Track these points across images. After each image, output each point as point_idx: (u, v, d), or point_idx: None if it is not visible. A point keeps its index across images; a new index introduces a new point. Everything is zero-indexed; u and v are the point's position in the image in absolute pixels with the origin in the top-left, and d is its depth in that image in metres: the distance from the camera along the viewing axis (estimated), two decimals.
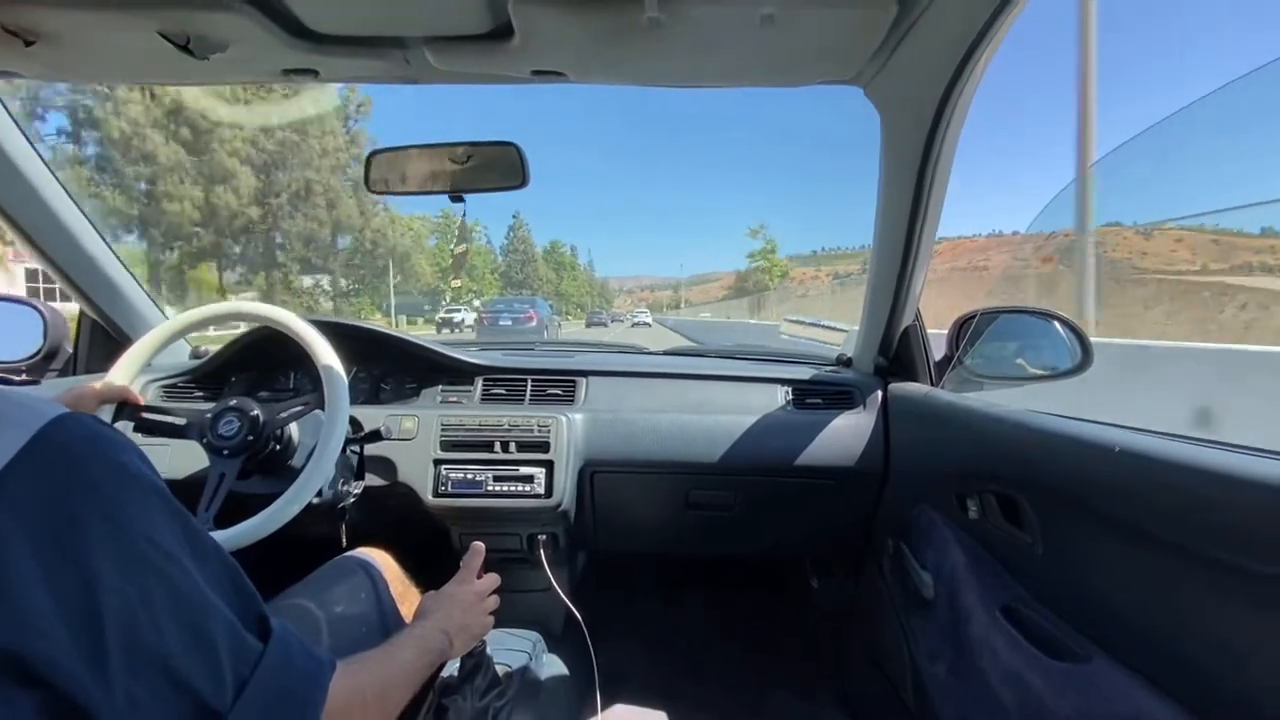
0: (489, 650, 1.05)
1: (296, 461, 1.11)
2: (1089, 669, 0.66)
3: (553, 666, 1.27)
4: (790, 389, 1.37)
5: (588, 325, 38.57)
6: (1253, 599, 0.49)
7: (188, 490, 0.99)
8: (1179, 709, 0.55)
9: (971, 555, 0.92)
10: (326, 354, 1.05)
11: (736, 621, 1.79)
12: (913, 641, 1.07)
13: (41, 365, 1.40)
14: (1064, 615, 0.73)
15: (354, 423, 1.18)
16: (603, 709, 1.21)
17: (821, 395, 1.36)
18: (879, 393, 1.32)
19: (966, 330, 1.22)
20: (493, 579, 0.94)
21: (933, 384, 1.26)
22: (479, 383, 1.39)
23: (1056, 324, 1.18)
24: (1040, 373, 1.20)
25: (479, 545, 0.95)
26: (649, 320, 48.48)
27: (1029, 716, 0.73)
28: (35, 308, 1.41)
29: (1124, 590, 0.64)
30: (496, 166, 1.04)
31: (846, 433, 1.28)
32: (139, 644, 0.39)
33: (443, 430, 1.27)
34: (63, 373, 1.43)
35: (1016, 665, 0.76)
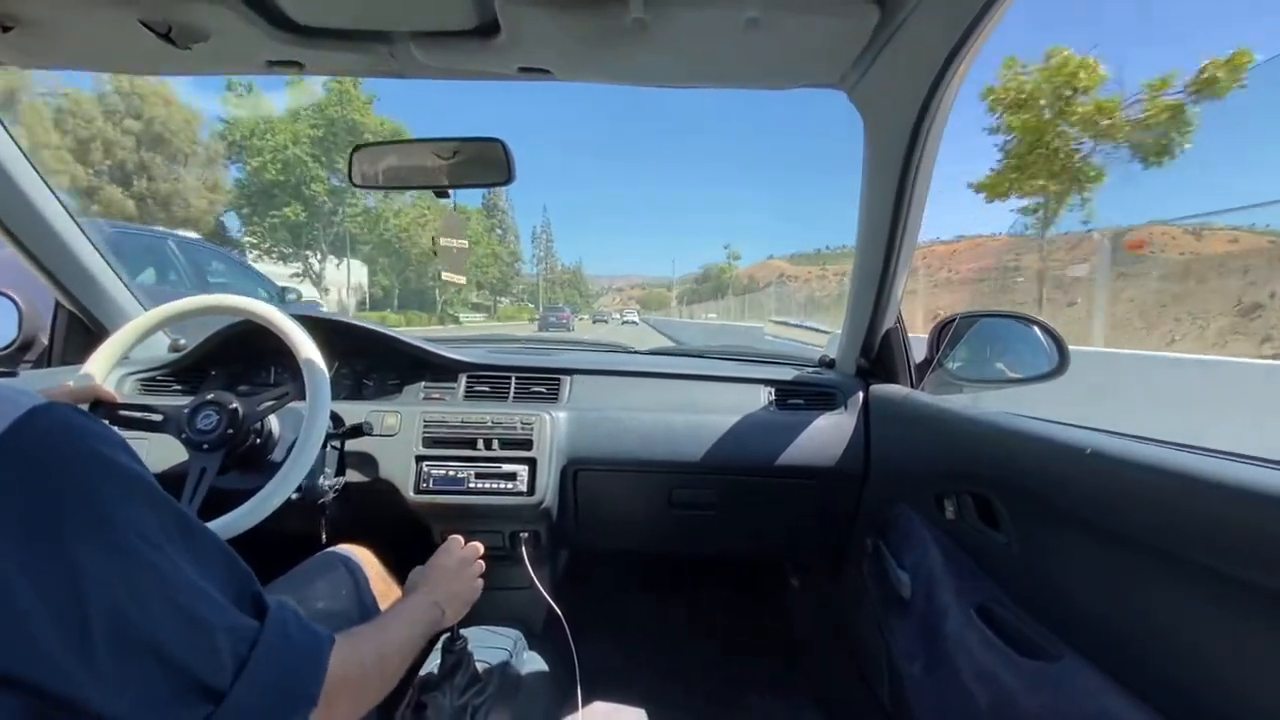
0: (469, 647, 1.05)
1: (277, 456, 1.10)
2: (1059, 667, 0.67)
3: (533, 664, 1.27)
4: (773, 389, 1.38)
5: (540, 328, 27.50)
6: (1220, 600, 0.50)
7: (167, 486, 0.96)
8: (1146, 708, 0.56)
9: (948, 555, 0.94)
10: (308, 348, 1.04)
11: (717, 619, 1.80)
12: (890, 639, 1.08)
13: (15, 357, 1.38)
14: (1037, 614, 0.75)
15: (335, 418, 1.17)
16: (583, 706, 1.21)
17: (803, 396, 1.37)
18: (860, 394, 1.33)
19: (947, 334, 1.24)
20: (476, 547, 0.95)
21: (913, 386, 1.28)
22: (462, 380, 1.38)
23: (1035, 329, 1.20)
24: (1018, 376, 1.22)
25: (456, 536, 0.96)
26: (636, 319, 48.65)
27: (1001, 714, 0.74)
28: (9, 298, 1.38)
29: (1095, 590, 0.66)
30: (482, 162, 1.04)
31: (827, 433, 1.30)
32: (127, 632, 0.39)
33: (425, 427, 1.26)
34: (37, 365, 1.40)
35: (989, 663, 0.77)
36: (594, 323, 51.25)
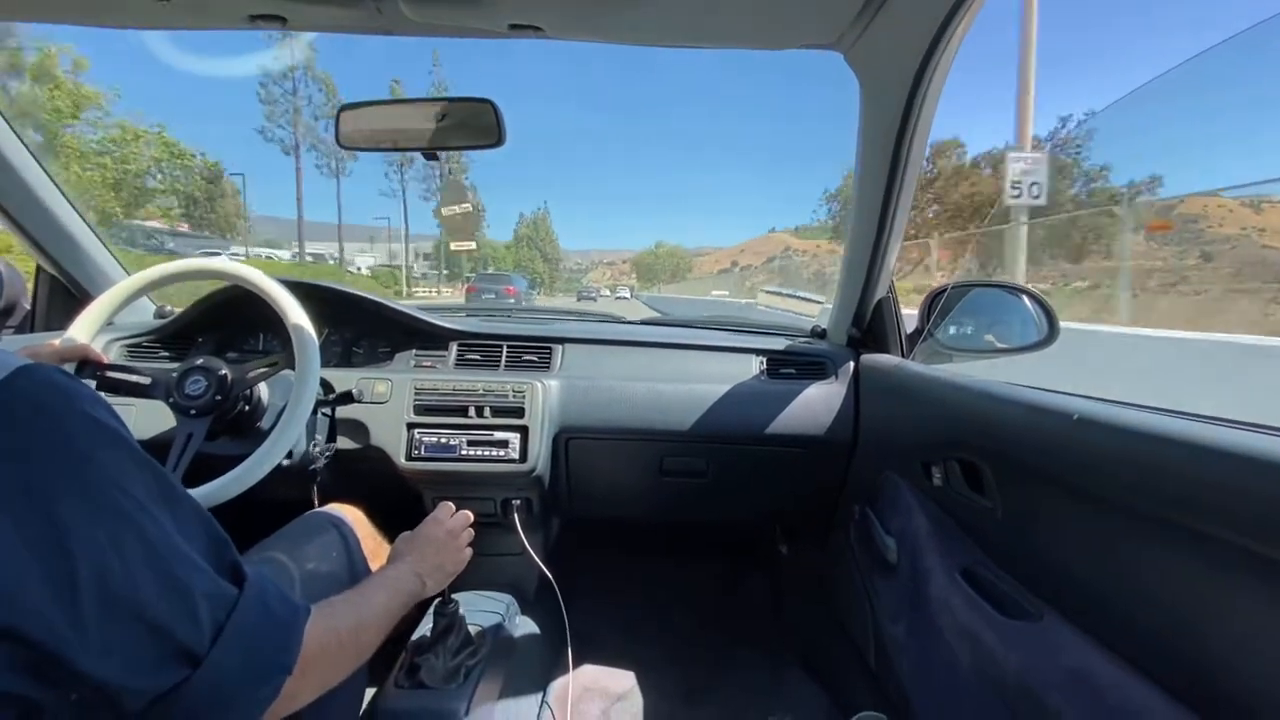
0: (462, 611, 1.06)
1: (266, 422, 1.10)
2: (1040, 627, 0.68)
3: (525, 627, 1.29)
4: (764, 359, 1.38)
5: (467, 295, 19.81)
6: (1201, 562, 0.51)
7: (154, 451, 0.96)
8: (1123, 664, 0.57)
9: (934, 520, 0.95)
10: (296, 313, 1.03)
11: (707, 586, 1.83)
12: (875, 603, 1.11)
13: None
14: (1020, 577, 0.76)
15: (325, 385, 1.16)
16: (574, 668, 1.24)
17: (795, 365, 1.38)
18: (851, 364, 1.34)
19: (938, 304, 1.24)
20: (465, 516, 0.95)
21: (903, 356, 1.28)
22: (453, 348, 1.38)
23: (1025, 299, 1.21)
24: (1007, 346, 1.23)
25: (447, 503, 0.96)
26: (628, 294, 48.31)
27: (981, 671, 0.76)
28: None
29: (1078, 552, 0.67)
30: (471, 124, 1.01)
31: (818, 402, 1.30)
32: (112, 590, 0.39)
33: (416, 394, 1.26)
34: (19, 330, 1.38)
35: (972, 624, 0.79)
36: (579, 300, 42.58)
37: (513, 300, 16.46)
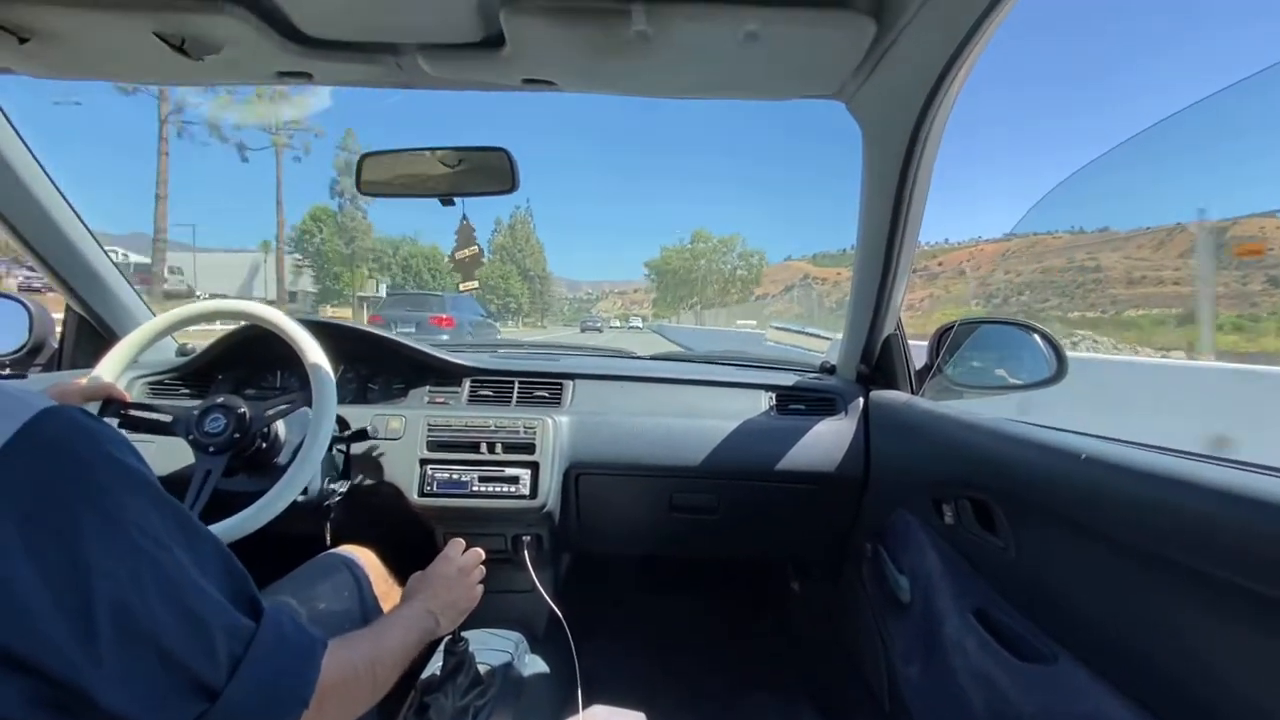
0: (471, 649, 1.06)
1: (282, 459, 1.12)
2: (1055, 670, 0.68)
3: (535, 666, 1.28)
4: (774, 395, 1.39)
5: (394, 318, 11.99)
6: (1213, 605, 0.51)
7: (172, 487, 0.97)
8: (1139, 710, 0.57)
9: (946, 559, 0.94)
10: (314, 352, 1.05)
11: (718, 623, 1.81)
12: (888, 642, 1.09)
13: (26, 360, 1.40)
14: (1033, 618, 0.75)
15: (341, 422, 1.18)
16: (583, 709, 1.22)
17: (804, 401, 1.38)
18: (860, 400, 1.34)
19: (946, 340, 1.25)
20: (476, 553, 0.96)
21: (913, 392, 1.29)
22: (466, 384, 1.40)
23: (1035, 335, 1.21)
24: (1017, 383, 1.23)
25: (458, 540, 0.97)
26: (640, 324, 48.50)
27: (997, 716, 0.75)
28: (20, 302, 1.41)
29: (1091, 594, 0.66)
30: (487, 171, 1.05)
31: (828, 439, 1.31)
32: (131, 626, 0.41)
33: (429, 430, 1.28)
34: (47, 368, 1.42)
35: (986, 666, 0.78)
36: (583, 331, 38.99)
37: (447, 335, 10.66)
